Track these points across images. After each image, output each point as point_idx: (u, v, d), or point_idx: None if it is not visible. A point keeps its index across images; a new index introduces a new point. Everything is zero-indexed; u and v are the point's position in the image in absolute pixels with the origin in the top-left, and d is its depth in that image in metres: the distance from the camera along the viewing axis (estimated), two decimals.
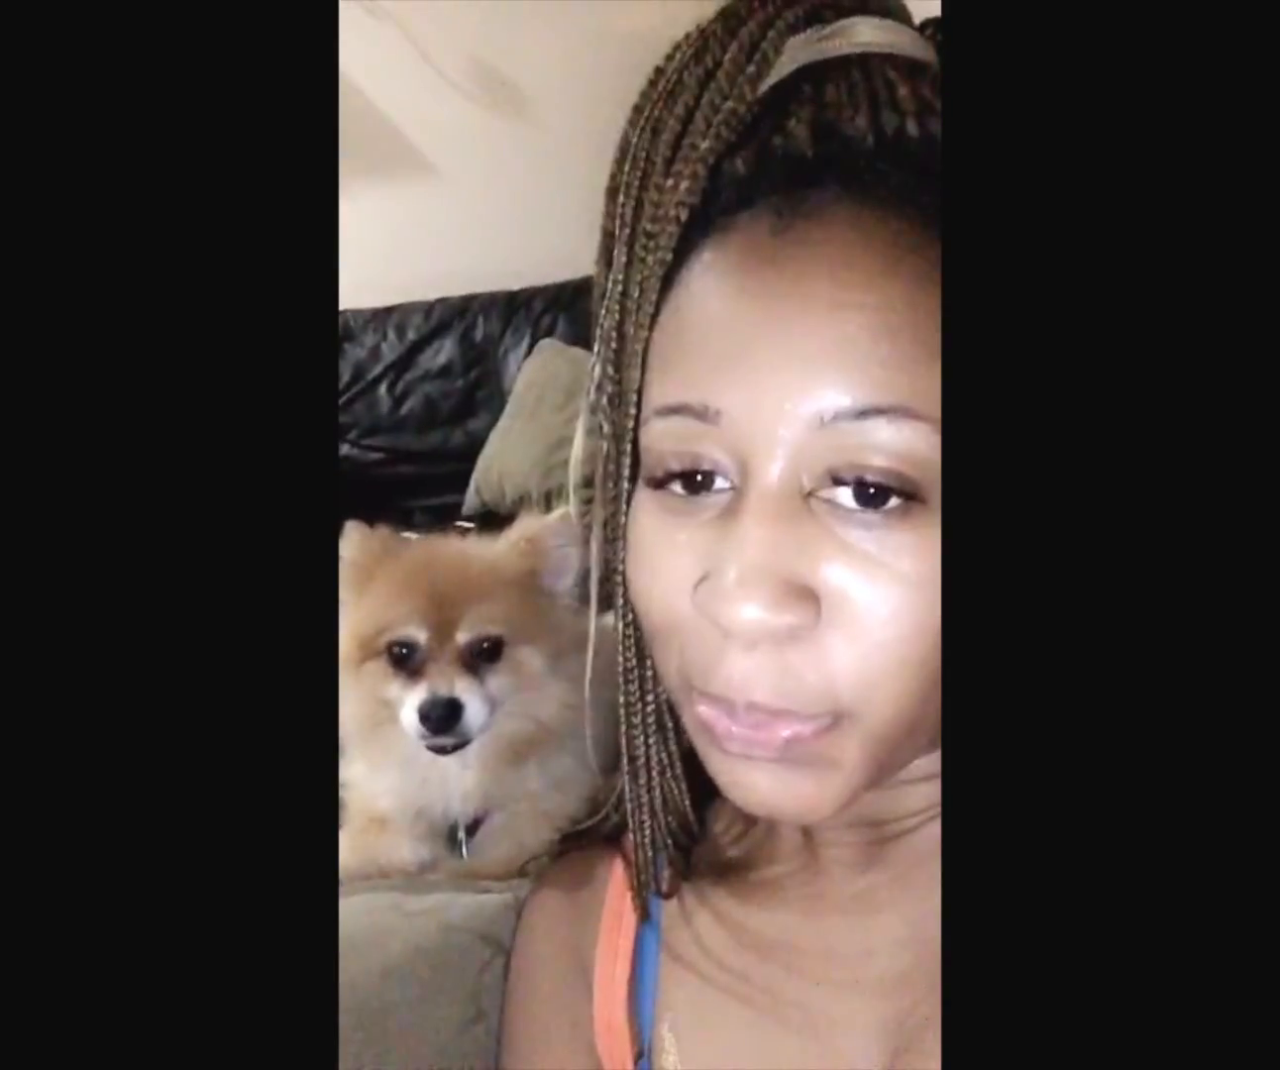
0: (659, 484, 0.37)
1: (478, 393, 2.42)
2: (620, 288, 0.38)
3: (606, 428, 0.41)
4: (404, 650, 0.71)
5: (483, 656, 0.70)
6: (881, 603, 0.33)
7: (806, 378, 0.33)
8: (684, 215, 0.36)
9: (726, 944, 0.45)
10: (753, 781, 0.36)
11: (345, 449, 2.43)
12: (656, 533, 0.37)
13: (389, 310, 2.44)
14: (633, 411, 0.38)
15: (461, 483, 2.28)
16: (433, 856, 0.73)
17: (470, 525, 2.06)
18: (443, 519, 2.22)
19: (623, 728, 0.44)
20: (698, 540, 0.36)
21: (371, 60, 2.33)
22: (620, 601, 0.42)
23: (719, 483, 0.36)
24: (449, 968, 0.53)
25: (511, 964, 0.53)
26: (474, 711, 0.68)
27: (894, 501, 0.33)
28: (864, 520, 0.33)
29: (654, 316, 0.37)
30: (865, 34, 0.37)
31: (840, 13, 0.38)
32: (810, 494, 0.34)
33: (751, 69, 0.36)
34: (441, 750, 0.69)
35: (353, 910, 0.55)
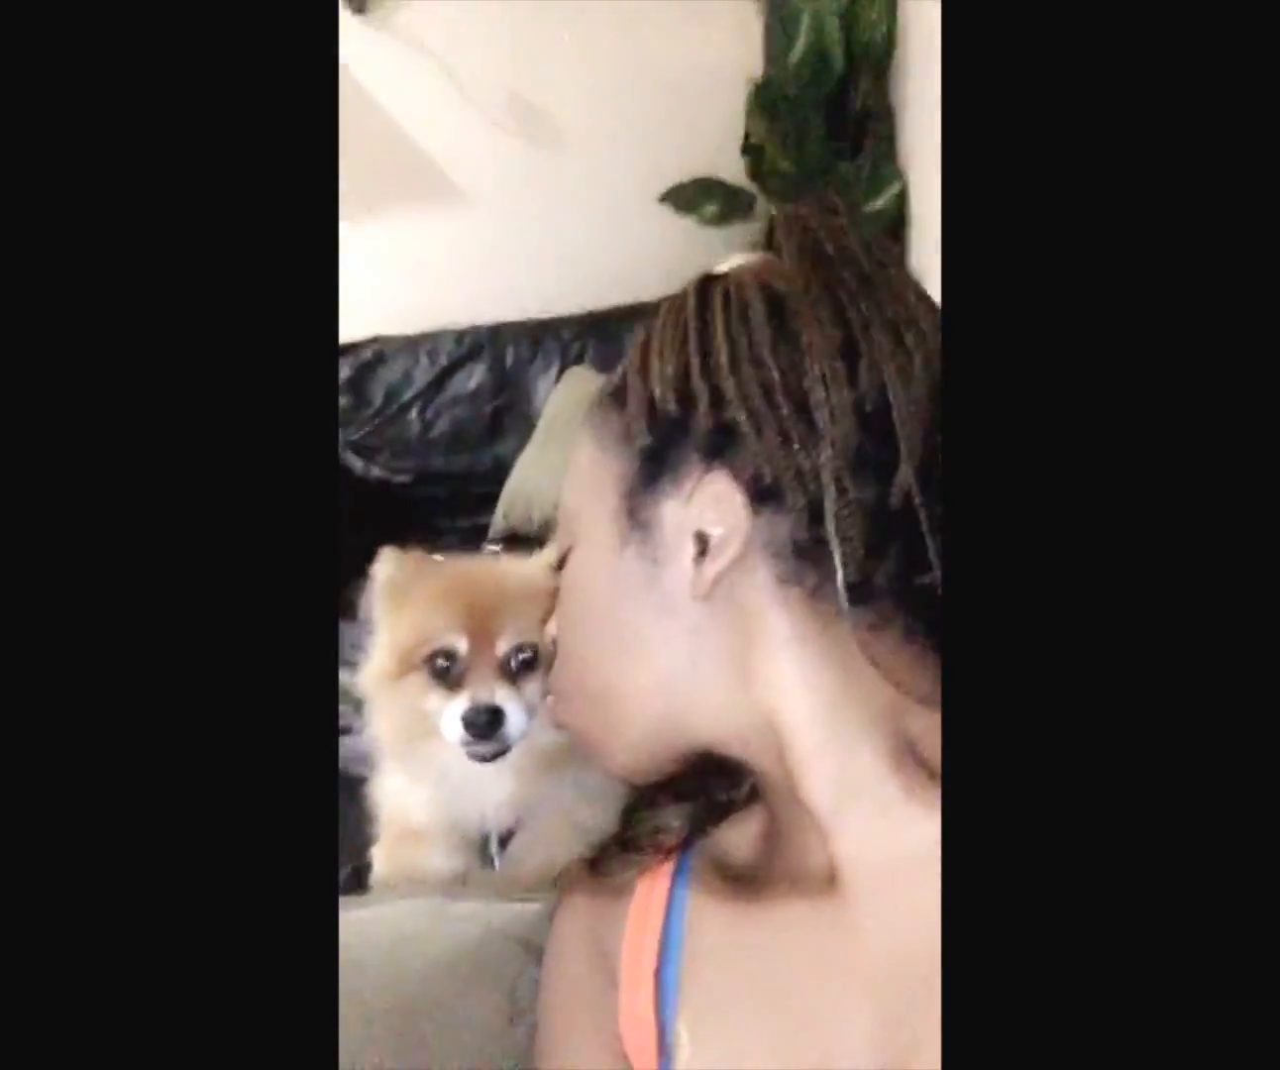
0: None
1: (505, 418, 2.45)
2: None
3: None
4: (445, 661, 0.72)
5: (521, 668, 0.71)
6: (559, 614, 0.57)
7: None
8: None
9: (739, 948, 0.47)
10: None
11: (376, 470, 2.46)
12: None
13: (422, 336, 2.48)
14: None
15: (487, 505, 2.31)
16: (465, 867, 0.74)
17: (498, 549, 2.08)
18: (469, 540, 2.25)
19: None
20: None
21: (408, 90, 2.38)
22: None
23: None
24: (489, 969, 0.54)
25: (544, 962, 0.55)
26: (515, 719, 0.69)
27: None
28: None
29: None
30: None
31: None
32: None
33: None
34: (483, 758, 0.70)
35: (398, 913, 0.56)
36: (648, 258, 2.45)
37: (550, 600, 0.75)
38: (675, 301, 0.51)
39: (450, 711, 0.70)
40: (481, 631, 0.71)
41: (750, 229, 2.26)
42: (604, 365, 2.33)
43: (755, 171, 2.23)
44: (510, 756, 0.71)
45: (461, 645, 0.71)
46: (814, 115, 2.12)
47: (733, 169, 2.23)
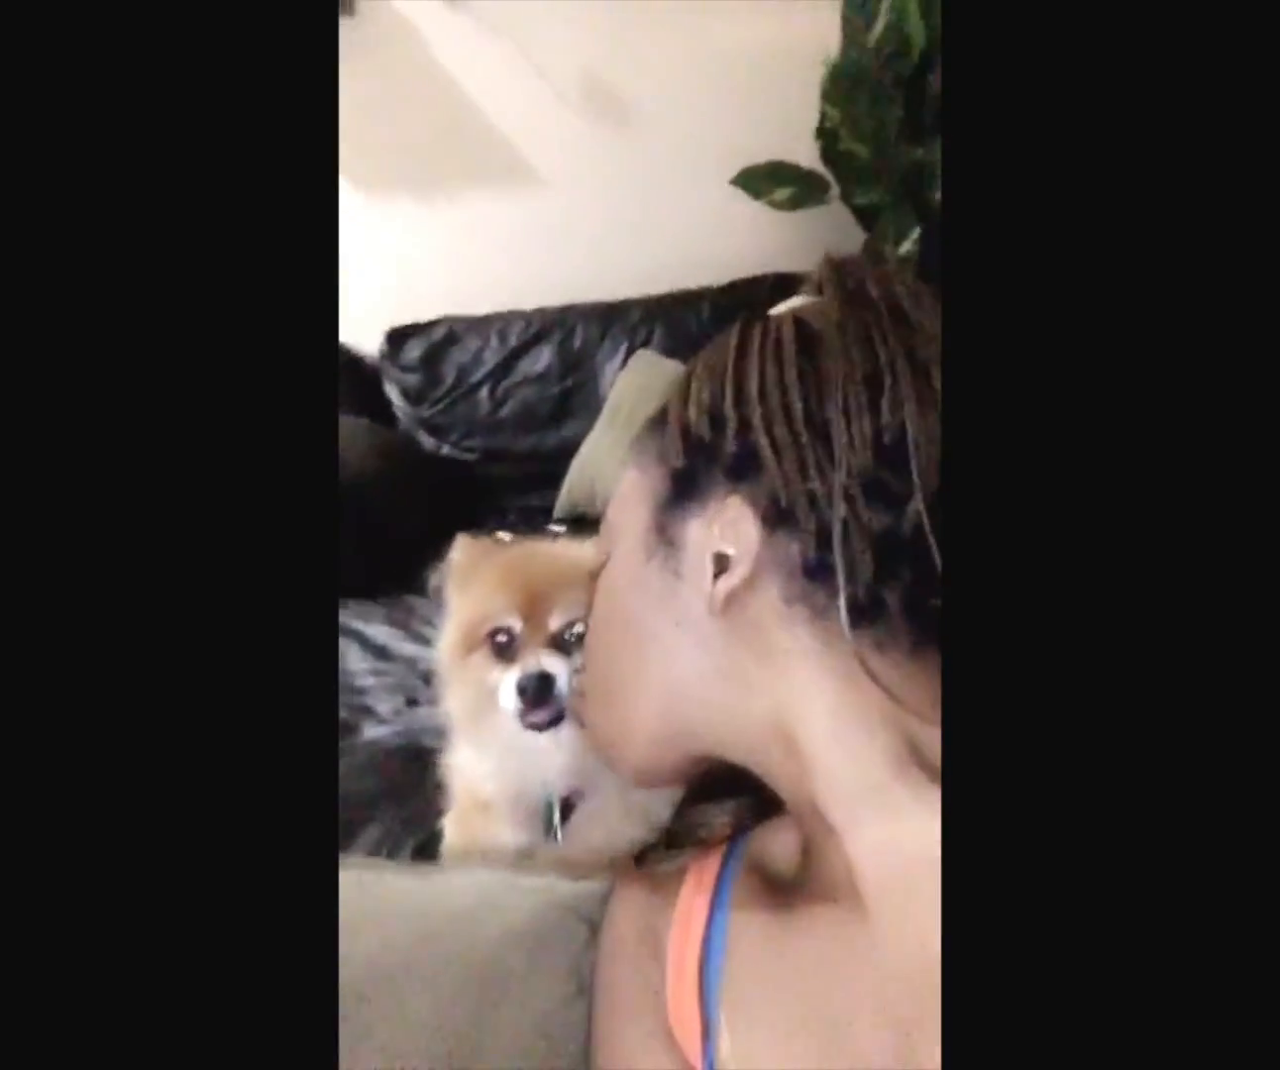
0: None
1: (573, 399, 2.48)
2: None
3: None
4: (503, 637, 0.76)
5: (575, 641, 0.75)
6: (591, 618, 0.59)
7: None
8: None
9: (774, 953, 0.49)
10: None
11: (446, 448, 2.51)
12: None
13: (493, 317, 2.51)
14: None
15: (553, 484, 2.34)
16: (531, 841, 0.77)
17: (561, 529, 2.11)
18: (535, 518, 2.29)
19: None
20: None
21: (482, 71, 2.41)
22: None
23: None
24: (555, 943, 0.56)
25: (599, 948, 0.57)
26: (564, 682, 0.73)
27: None
28: None
29: None
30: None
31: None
32: None
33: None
34: (538, 726, 0.74)
35: (474, 881, 0.59)
36: (718, 241, 2.44)
37: None
38: (720, 337, 0.54)
39: (506, 681, 0.75)
40: (535, 609, 0.76)
41: (822, 214, 2.24)
42: (671, 349, 2.33)
43: (829, 155, 2.20)
44: (567, 730, 0.74)
45: (516, 623, 0.76)
46: (891, 99, 2.08)
47: (806, 153, 2.21)
